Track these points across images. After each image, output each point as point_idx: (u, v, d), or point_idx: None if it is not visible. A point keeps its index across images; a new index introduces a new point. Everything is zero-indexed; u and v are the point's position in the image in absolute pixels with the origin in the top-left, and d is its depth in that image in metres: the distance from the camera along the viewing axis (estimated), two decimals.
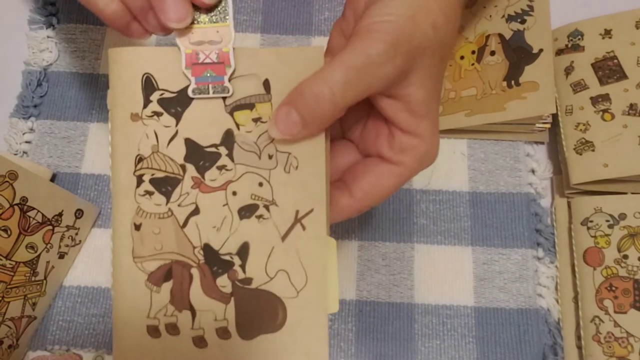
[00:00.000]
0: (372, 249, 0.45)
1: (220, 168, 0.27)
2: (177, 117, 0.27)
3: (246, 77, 0.27)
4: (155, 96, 0.27)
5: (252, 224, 0.27)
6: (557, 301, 0.44)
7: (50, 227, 0.42)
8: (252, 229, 0.27)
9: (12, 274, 0.40)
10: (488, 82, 0.46)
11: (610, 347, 0.40)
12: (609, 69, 0.45)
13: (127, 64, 0.27)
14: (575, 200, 0.45)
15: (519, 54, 0.46)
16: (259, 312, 0.27)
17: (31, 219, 0.40)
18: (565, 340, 0.43)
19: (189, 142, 0.27)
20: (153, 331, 0.27)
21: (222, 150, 0.27)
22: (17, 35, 0.51)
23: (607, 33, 0.46)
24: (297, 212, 0.27)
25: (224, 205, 0.27)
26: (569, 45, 0.47)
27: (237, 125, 0.27)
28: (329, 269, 0.27)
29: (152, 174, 0.27)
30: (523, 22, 0.46)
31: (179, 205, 0.27)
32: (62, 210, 0.42)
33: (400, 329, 0.43)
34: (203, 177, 0.27)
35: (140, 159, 0.27)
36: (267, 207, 0.27)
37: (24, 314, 0.41)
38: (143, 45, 0.27)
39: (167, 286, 0.27)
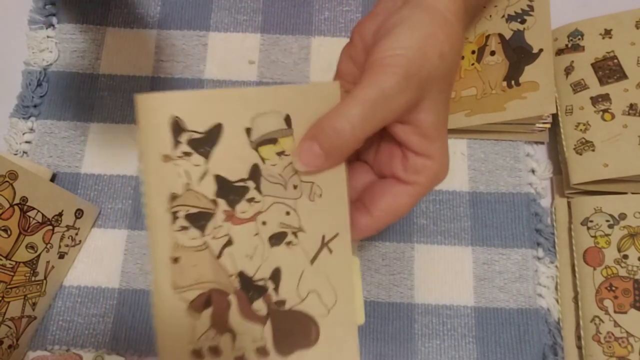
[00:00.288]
0: (372, 248, 0.45)
1: (250, 200, 0.29)
2: (206, 155, 0.28)
3: (268, 114, 0.28)
4: (184, 137, 0.28)
5: (282, 251, 0.29)
6: (557, 301, 0.44)
7: (50, 227, 0.42)
8: (283, 255, 0.29)
9: (12, 274, 0.40)
10: (488, 82, 0.46)
11: (610, 347, 0.40)
12: (609, 69, 0.45)
13: (155, 109, 0.28)
14: (575, 200, 0.45)
15: (519, 54, 0.46)
16: (294, 331, 0.29)
17: (31, 219, 0.40)
18: (565, 340, 0.43)
19: (218, 179, 0.29)
20: (197, 355, 0.29)
21: (250, 184, 0.29)
22: (17, 35, 0.51)
23: (607, 33, 0.46)
24: (324, 237, 0.29)
25: (255, 235, 0.29)
26: (569, 45, 0.47)
27: (263, 160, 0.29)
28: (354, 284, 0.29)
29: (187, 210, 0.28)
30: (523, 22, 0.46)
31: (213, 238, 0.29)
32: (62, 210, 0.42)
33: (400, 329, 0.43)
34: (234, 210, 0.29)
35: (174, 197, 0.28)
36: (295, 234, 0.29)
37: (24, 314, 0.41)
38: (169, 91, 0.28)
39: (207, 312, 0.29)
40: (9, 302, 0.40)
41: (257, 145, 0.29)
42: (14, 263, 0.40)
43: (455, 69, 0.29)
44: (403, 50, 0.27)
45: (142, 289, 0.44)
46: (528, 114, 0.44)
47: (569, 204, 0.45)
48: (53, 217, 0.42)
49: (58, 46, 0.51)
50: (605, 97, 0.45)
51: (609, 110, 0.44)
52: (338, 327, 0.29)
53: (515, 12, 0.47)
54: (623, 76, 0.45)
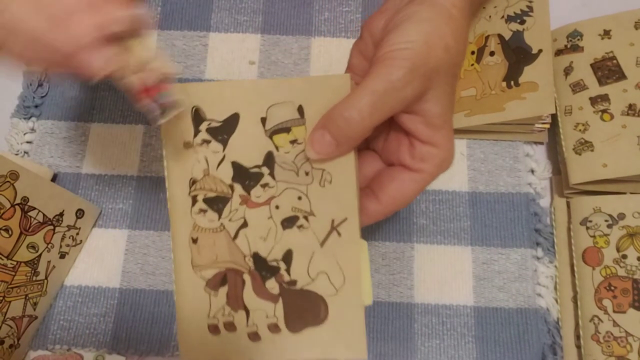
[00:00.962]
0: (372, 248, 0.45)
1: (264, 186, 0.30)
2: (224, 143, 0.30)
3: (282, 104, 0.30)
4: (203, 126, 0.30)
5: (294, 233, 0.30)
6: (557, 301, 0.44)
7: (51, 227, 0.42)
8: (294, 238, 0.30)
9: (13, 273, 0.40)
10: (487, 83, 0.46)
11: (609, 346, 0.40)
12: (608, 70, 0.45)
13: None
14: (574, 200, 0.45)
15: (518, 55, 0.46)
16: (304, 309, 0.30)
17: (32, 219, 0.40)
18: (564, 340, 0.43)
19: (235, 165, 0.30)
20: (213, 329, 0.31)
21: (265, 170, 0.30)
22: None
23: (606, 33, 0.46)
24: (333, 221, 0.30)
25: (268, 218, 0.30)
26: (568, 46, 0.47)
27: (277, 147, 0.30)
28: (362, 266, 0.30)
29: (205, 194, 0.30)
30: (522, 22, 0.46)
31: (229, 220, 0.30)
32: (63, 210, 0.43)
33: (400, 329, 0.43)
34: (249, 195, 0.30)
35: (193, 182, 0.30)
36: (306, 218, 0.30)
37: (25, 314, 0.41)
38: (191, 82, 0.30)
39: (223, 290, 0.31)
40: (10, 302, 0.40)
41: (271, 133, 0.30)
42: (15, 263, 0.40)
43: (461, 62, 0.30)
44: (410, 44, 0.28)
45: (143, 289, 0.44)
46: (527, 114, 0.44)
47: (568, 204, 0.45)
48: (54, 217, 0.42)
49: None
50: (604, 98, 0.45)
51: (608, 111, 0.44)
52: (346, 307, 0.30)
53: (515, 13, 0.47)
54: (622, 76, 0.45)
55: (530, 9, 0.46)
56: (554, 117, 0.47)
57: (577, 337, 0.42)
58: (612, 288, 0.41)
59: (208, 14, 0.52)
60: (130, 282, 0.44)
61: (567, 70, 0.47)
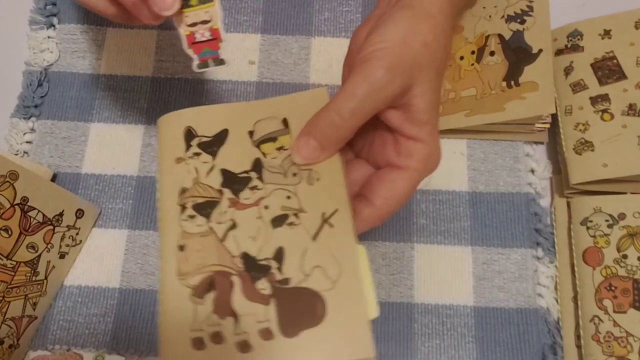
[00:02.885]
0: (372, 248, 0.45)
1: (252, 188, 0.31)
2: (214, 154, 0.32)
3: (268, 119, 0.32)
4: (195, 141, 0.32)
5: (284, 231, 0.30)
6: (557, 301, 0.44)
7: (51, 227, 0.42)
8: (285, 235, 0.30)
9: (12, 273, 0.40)
10: (488, 83, 0.46)
11: (609, 346, 0.40)
12: (608, 69, 0.45)
13: (172, 124, 0.33)
14: (574, 200, 0.45)
15: (518, 54, 0.46)
16: (299, 309, 0.29)
17: (32, 219, 0.40)
18: (564, 340, 0.43)
19: (224, 172, 0.32)
20: (198, 343, 0.28)
21: (253, 174, 0.31)
22: (18, 36, 0.51)
23: (607, 33, 0.46)
24: (324, 214, 0.30)
25: (258, 218, 0.30)
26: (569, 46, 0.47)
27: (264, 155, 0.32)
28: (363, 275, 0.29)
29: (194, 201, 0.31)
30: (522, 22, 0.46)
31: (218, 223, 0.30)
32: (63, 210, 0.43)
33: (400, 329, 0.43)
34: (238, 197, 0.31)
35: (183, 191, 0.31)
36: (296, 215, 0.30)
37: (25, 314, 0.41)
38: (186, 108, 0.33)
39: (210, 296, 0.29)
40: (9, 302, 0.40)
41: (258, 143, 0.32)
42: (14, 263, 0.40)
43: (443, 60, 0.31)
44: (385, 43, 0.29)
45: (143, 289, 0.44)
46: (527, 114, 0.44)
47: (568, 203, 0.45)
48: (54, 217, 0.42)
49: (59, 46, 0.51)
50: (605, 97, 0.45)
51: (608, 111, 0.44)
52: (345, 301, 0.28)
53: (515, 13, 0.47)
54: (622, 76, 0.45)
55: (531, 8, 0.46)
56: (554, 117, 0.47)
57: (578, 337, 0.42)
58: (613, 288, 0.41)
59: None
60: (130, 282, 0.44)
61: (567, 70, 0.47)
